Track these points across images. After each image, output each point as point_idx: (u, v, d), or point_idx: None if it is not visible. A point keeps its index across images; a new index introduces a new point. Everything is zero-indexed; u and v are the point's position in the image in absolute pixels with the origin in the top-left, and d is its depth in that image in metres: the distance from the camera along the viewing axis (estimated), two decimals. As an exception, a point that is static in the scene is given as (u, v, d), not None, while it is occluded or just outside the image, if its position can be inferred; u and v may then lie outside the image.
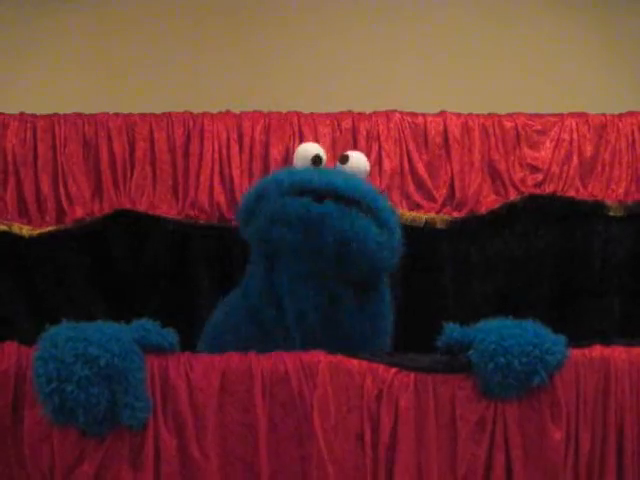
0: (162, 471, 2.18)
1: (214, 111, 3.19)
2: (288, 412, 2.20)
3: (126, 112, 3.16)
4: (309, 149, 2.58)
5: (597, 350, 2.29)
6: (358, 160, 2.62)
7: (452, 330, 2.28)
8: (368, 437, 2.20)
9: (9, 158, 3.09)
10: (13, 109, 3.15)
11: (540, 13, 3.60)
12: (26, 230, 3.06)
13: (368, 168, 2.65)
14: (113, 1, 3.55)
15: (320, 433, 2.17)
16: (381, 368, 2.24)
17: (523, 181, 3.21)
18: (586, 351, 2.29)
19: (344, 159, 2.59)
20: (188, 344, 2.40)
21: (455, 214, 3.18)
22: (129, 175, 3.13)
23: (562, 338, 2.28)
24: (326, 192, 2.32)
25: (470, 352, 2.23)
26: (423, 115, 3.21)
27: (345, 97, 3.34)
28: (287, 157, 3.14)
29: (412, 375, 2.23)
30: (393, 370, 2.23)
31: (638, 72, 3.57)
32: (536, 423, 2.25)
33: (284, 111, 3.19)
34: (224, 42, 3.55)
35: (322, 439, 2.17)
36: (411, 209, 3.17)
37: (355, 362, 2.24)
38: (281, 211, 2.33)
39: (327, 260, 2.34)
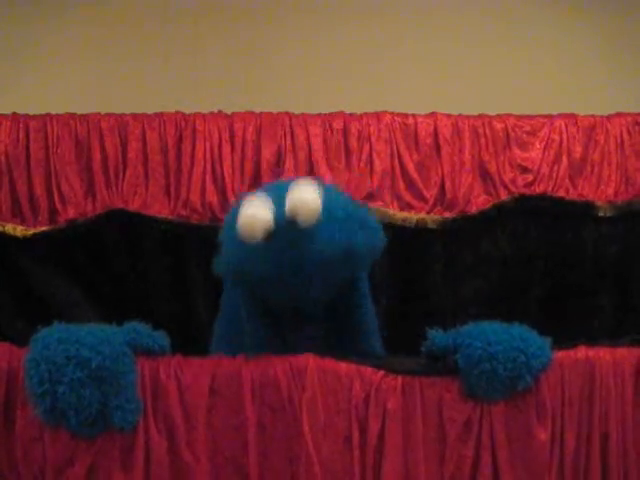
0: (152, 472, 2.20)
1: (206, 111, 3.19)
2: (277, 414, 2.22)
3: (118, 112, 3.17)
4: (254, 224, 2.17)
5: (582, 351, 2.32)
6: (301, 206, 2.19)
7: (435, 337, 2.29)
8: (356, 439, 2.23)
9: (2, 158, 3.09)
10: (5, 109, 3.16)
11: (530, 16, 3.60)
12: (20, 230, 3.07)
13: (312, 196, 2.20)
14: (106, 3, 3.55)
15: (308, 435, 2.20)
16: (369, 371, 2.26)
17: (513, 181, 3.22)
18: (571, 352, 2.31)
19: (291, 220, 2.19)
20: (182, 343, 2.41)
21: (446, 214, 3.19)
22: (121, 175, 3.14)
23: (547, 341, 2.30)
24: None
25: (457, 356, 2.24)
26: (414, 116, 3.22)
27: (336, 98, 3.33)
28: (278, 157, 3.15)
29: (399, 378, 2.25)
30: (381, 373, 2.26)
31: (627, 73, 3.57)
32: (522, 424, 2.27)
33: (275, 112, 3.20)
34: (216, 43, 3.54)
35: (310, 441, 2.20)
36: (402, 209, 3.18)
37: (343, 365, 2.26)
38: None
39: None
